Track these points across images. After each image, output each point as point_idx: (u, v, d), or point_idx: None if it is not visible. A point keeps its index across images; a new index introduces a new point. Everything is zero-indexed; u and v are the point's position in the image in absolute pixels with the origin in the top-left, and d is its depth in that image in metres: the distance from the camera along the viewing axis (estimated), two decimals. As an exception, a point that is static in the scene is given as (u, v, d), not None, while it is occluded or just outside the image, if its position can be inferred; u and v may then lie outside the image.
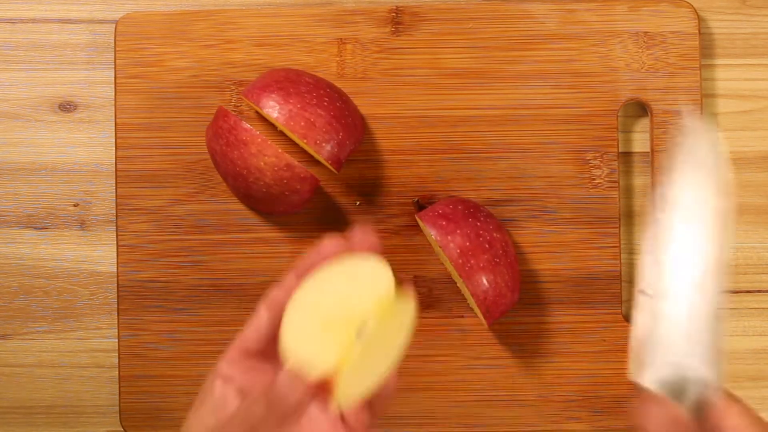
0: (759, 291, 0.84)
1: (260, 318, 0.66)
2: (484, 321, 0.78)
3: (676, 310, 0.65)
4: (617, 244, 0.82)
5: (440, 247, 0.77)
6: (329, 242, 0.65)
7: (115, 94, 0.83)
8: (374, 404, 0.68)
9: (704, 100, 0.84)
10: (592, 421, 0.82)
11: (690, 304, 0.65)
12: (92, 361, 0.84)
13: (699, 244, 0.65)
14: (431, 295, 0.82)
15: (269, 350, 0.67)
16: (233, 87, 0.83)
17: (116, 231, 0.82)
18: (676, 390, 0.64)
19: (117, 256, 0.82)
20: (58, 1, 0.85)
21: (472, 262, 0.76)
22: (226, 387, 0.67)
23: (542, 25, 0.83)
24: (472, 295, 0.77)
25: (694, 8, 0.83)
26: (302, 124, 0.77)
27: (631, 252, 0.84)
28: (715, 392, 0.64)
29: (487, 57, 0.83)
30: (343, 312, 0.61)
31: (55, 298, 0.84)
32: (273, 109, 0.78)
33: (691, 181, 0.66)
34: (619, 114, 0.83)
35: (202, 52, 0.83)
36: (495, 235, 0.78)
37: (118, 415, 0.83)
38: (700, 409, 0.64)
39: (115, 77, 0.83)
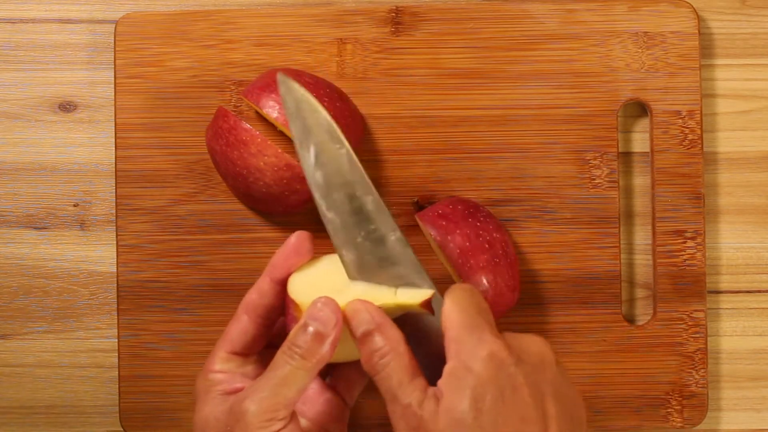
0: (759, 291, 0.84)
1: (242, 323, 0.68)
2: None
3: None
4: (617, 244, 0.82)
5: (440, 247, 0.77)
6: (296, 240, 0.68)
7: (115, 94, 0.83)
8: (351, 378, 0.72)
9: (704, 100, 0.84)
10: (592, 421, 0.82)
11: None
12: (92, 361, 0.84)
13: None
14: (431, 295, 0.82)
15: (253, 349, 0.69)
16: (233, 87, 0.83)
17: (116, 231, 0.82)
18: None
19: (117, 256, 0.82)
20: (58, 1, 0.85)
21: (471, 262, 0.76)
22: (225, 375, 0.68)
23: (542, 25, 0.83)
24: (472, 295, 0.77)
25: (694, 8, 0.83)
26: (302, 124, 0.77)
27: (631, 252, 0.84)
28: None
29: (487, 57, 0.83)
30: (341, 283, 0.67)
31: (55, 298, 0.84)
32: (273, 109, 0.78)
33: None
34: (619, 114, 0.83)
35: (202, 52, 0.83)
36: (495, 235, 0.78)
37: (118, 415, 0.83)
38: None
39: (115, 77, 0.83)
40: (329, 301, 0.65)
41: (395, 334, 0.64)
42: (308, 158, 0.67)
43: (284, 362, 0.64)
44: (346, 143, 0.67)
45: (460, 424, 0.60)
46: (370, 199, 0.67)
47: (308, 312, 0.65)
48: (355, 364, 0.70)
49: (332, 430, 0.71)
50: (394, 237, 0.67)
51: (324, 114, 0.67)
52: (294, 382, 0.64)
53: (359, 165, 0.67)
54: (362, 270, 0.67)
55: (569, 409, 0.63)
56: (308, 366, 0.64)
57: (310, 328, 0.64)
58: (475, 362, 0.61)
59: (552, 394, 0.62)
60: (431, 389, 0.62)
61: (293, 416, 0.65)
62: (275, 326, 0.71)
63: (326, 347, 0.64)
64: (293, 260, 0.68)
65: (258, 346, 0.70)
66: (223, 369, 0.69)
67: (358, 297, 0.66)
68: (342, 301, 0.66)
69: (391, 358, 0.63)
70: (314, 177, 0.67)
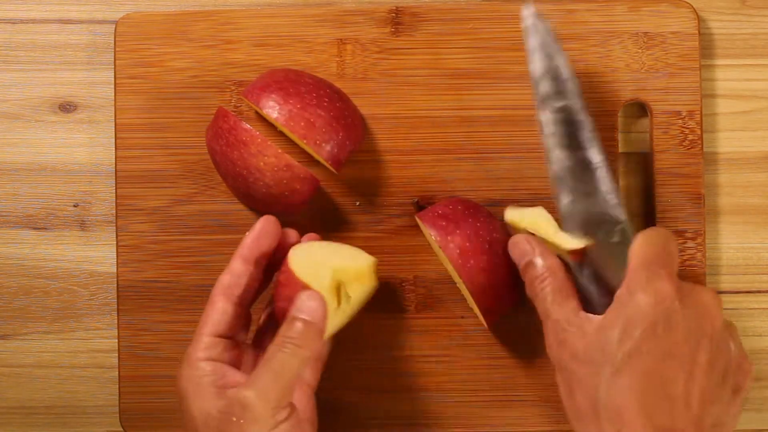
0: (759, 291, 0.84)
1: (219, 303, 0.71)
2: (484, 321, 0.78)
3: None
4: (617, 244, 0.82)
5: (440, 247, 0.77)
6: (264, 223, 0.73)
7: (115, 95, 0.83)
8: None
9: (704, 100, 0.84)
10: (592, 421, 0.82)
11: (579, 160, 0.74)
12: (92, 361, 0.84)
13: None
14: (431, 295, 0.82)
15: (237, 330, 0.72)
16: (233, 87, 0.83)
17: (116, 231, 0.82)
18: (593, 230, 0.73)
19: (117, 256, 0.82)
20: (58, 1, 0.85)
21: (472, 262, 0.76)
22: (215, 364, 0.69)
23: (542, 25, 0.83)
24: (472, 295, 0.77)
25: (694, 8, 0.83)
26: (302, 124, 0.77)
27: (631, 252, 0.84)
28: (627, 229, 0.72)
29: (487, 57, 0.83)
30: (333, 264, 0.73)
31: (55, 299, 0.84)
32: (273, 109, 0.78)
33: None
34: (619, 114, 0.83)
35: (202, 52, 0.83)
36: (495, 235, 0.78)
37: (118, 415, 0.83)
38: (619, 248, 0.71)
39: (115, 77, 0.83)
40: (314, 294, 0.69)
41: (553, 262, 0.72)
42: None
43: (279, 352, 0.67)
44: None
45: (604, 344, 0.65)
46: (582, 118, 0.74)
47: (296, 305, 0.68)
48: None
49: (301, 410, 0.73)
50: (600, 167, 0.73)
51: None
52: (290, 369, 0.67)
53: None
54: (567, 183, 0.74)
55: (723, 366, 0.66)
56: (302, 353, 0.67)
57: (299, 322, 0.68)
58: (639, 293, 0.66)
59: (708, 345, 0.66)
60: (583, 312, 0.69)
61: (292, 404, 0.68)
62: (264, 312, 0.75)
63: (316, 336, 0.68)
64: (263, 241, 0.72)
65: (239, 328, 0.72)
66: (209, 356, 0.70)
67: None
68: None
69: (548, 282, 0.71)
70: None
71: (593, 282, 0.72)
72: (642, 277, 0.67)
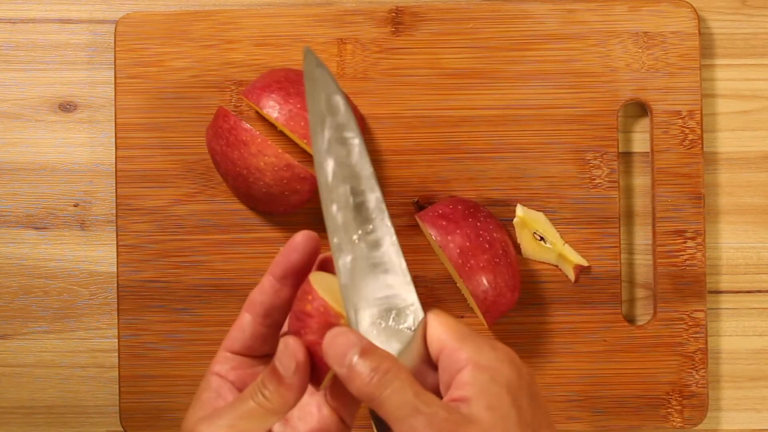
0: (759, 291, 0.84)
1: (243, 320, 0.66)
2: (484, 321, 0.78)
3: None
4: (617, 244, 0.82)
5: (440, 247, 0.77)
6: (300, 238, 0.65)
7: (115, 94, 0.83)
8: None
9: (704, 100, 0.84)
10: (592, 421, 0.82)
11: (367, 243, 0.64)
12: (92, 361, 0.84)
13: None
14: (431, 295, 0.82)
15: (255, 350, 0.66)
16: (233, 87, 0.83)
17: (116, 231, 0.82)
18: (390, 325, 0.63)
19: (117, 256, 0.82)
20: (58, 1, 0.85)
21: (472, 262, 0.76)
22: (222, 381, 0.67)
23: (542, 25, 0.83)
24: (472, 295, 0.77)
25: (694, 8, 0.83)
26: (302, 124, 0.77)
27: (631, 252, 0.84)
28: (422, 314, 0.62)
29: (487, 57, 0.83)
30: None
31: (55, 298, 0.84)
32: (273, 109, 0.78)
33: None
34: (619, 114, 0.83)
35: (202, 52, 0.83)
36: (495, 235, 0.78)
37: (118, 415, 0.83)
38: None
39: (115, 77, 0.83)
40: (292, 342, 0.60)
41: (387, 351, 0.59)
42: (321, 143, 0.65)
43: (251, 397, 0.62)
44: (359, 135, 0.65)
45: (506, 421, 0.58)
46: (374, 197, 0.66)
47: (277, 351, 0.61)
48: None
49: None
50: (390, 241, 0.66)
51: (342, 100, 0.65)
52: (256, 419, 0.61)
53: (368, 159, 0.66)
54: (354, 274, 0.66)
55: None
56: (269, 407, 0.61)
57: (274, 366, 0.61)
58: (499, 364, 0.59)
59: (545, 403, 0.63)
60: (447, 400, 0.59)
61: None
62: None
63: (289, 392, 0.61)
64: (293, 256, 0.65)
65: (260, 347, 0.69)
66: (218, 371, 0.68)
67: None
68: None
69: (396, 371, 0.58)
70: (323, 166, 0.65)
71: None
72: (486, 351, 0.60)
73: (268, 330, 0.67)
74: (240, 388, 0.67)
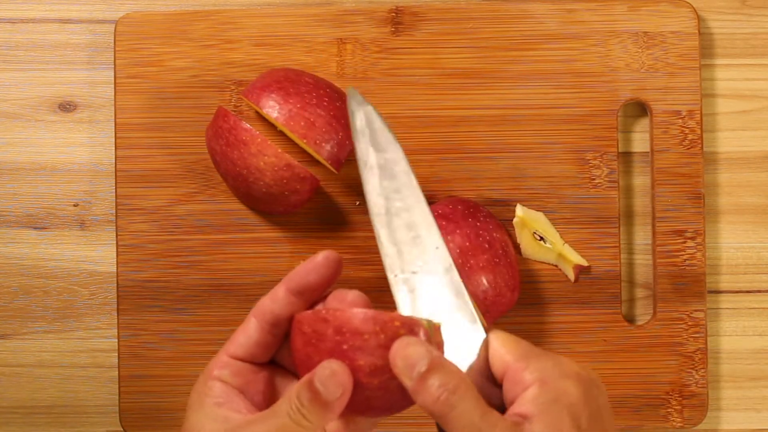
0: (759, 291, 0.84)
1: (249, 325, 0.65)
2: (483, 321, 0.78)
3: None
4: (617, 244, 0.82)
5: (440, 247, 0.77)
6: (322, 258, 0.64)
7: (115, 94, 0.83)
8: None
9: (704, 99, 0.84)
10: (592, 421, 0.82)
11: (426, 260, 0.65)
12: (92, 361, 0.84)
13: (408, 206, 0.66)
14: (431, 295, 0.82)
15: (258, 357, 0.65)
16: (233, 87, 0.83)
17: (116, 231, 0.82)
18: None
19: (117, 256, 0.82)
20: (58, 1, 0.85)
21: (471, 262, 0.76)
22: (226, 387, 0.66)
23: (542, 25, 0.83)
24: (472, 295, 0.77)
25: (694, 8, 0.83)
26: (302, 124, 0.77)
27: (631, 252, 0.84)
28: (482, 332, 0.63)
29: (487, 57, 0.83)
30: None
31: (55, 298, 0.84)
32: (273, 109, 0.78)
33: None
34: (618, 114, 0.83)
35: (202, 52, 0.83)
36: (495, 235, 0.78)
37: (118, 415, 0.83)
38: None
39: (115, 77, 0.83)
40: (339, 370, 0.59)
41: (456, 366, 0.58)
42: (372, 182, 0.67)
43: (287, 414, 0.60)
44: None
45: None
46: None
47: (317, 373, 0.60)
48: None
49: None
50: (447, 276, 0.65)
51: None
52: None
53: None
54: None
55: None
56: (306, 426, 0.60)
57: (315, 389, 0.60)
58: (564, 382, 0.59)
59: (611, 412, 0.63)
60: (510, 414, 0.58)
61: None
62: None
63: (329, 413, 0.60)
64: (312, 276, 0.64)
65: (263, 354, 0.66)
66: (221, 376, 0.67)
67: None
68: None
69: (465, 389, 0.57)
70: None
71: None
72: (551, 368, 0.59)
73: (274, 339, 0.65)
74: (245, 394, 0.66)
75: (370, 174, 0.68)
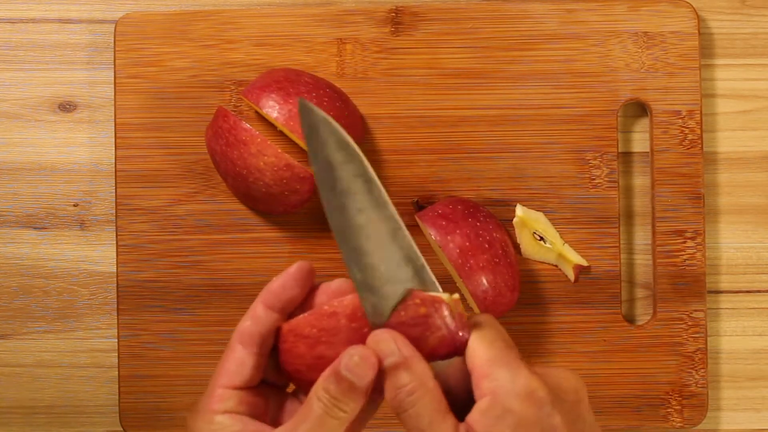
0: (759, 291, 0.84)
1: (237, 354, 0.63)
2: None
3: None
4: (617, 244, 0.82)
5: (440, 247, 0.77)
6: (296, 270, 0.63)
7: (115, 94, 0.83)
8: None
9: (704, 100, 0.84)
10: (591, 421, 0.82)
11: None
12: (92, 361, 0.84)
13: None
14: (431, 295, 0.82)
15: (256, 380, 0.64)
16: (233, 87, 0.83)
17: (116, 231, 0.82)
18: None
19: (117, 256, 0.82)
20: (58, 1, 0.85)
21: (471, 262, 0.76)
22: (236, 418, 0.63)
23: (542, 25, 0.83)
24: (472, 295, 0.77)
25: (694, 8, 0.83)
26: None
27: (631, 252, 0.84)
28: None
29: (487, 57, 0.83)
30: None
31: (55, 298, 0.84)
32: (273, 109, 0.78)
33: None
34: (618, 114, 0.83)
35: (201, 52, 0.83)
36: (495, 235, 0.78)
37: (118, 415, 0.83)
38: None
39: (115, 77, 0.83)
40: (366, 353, 0.59)
41: (423, 368, 0.59)
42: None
43: (319, 411, 0.60)
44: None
45: None
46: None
47: (344, 363, 0.60)
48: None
49: None
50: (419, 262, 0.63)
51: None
52: (326, 430, 0.60)
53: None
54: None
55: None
56: (340, 415, 0.60)
57: (345, 378, 0.60)
58: (513, 400, 0.58)
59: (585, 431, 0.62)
60: (462, 426, 0.59)
61: None
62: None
63: (361, 399, 0.60)
64: (291, 292, 0.63)
65: (258, 375, 0.64)
66: (226, 408, 0.64)
67: None
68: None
69: (420, 395, 0.58)
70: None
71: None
72: (505, 382, 0.58)
73: (263, 358, 0.64)
74: (256, 416, 0.64)
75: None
